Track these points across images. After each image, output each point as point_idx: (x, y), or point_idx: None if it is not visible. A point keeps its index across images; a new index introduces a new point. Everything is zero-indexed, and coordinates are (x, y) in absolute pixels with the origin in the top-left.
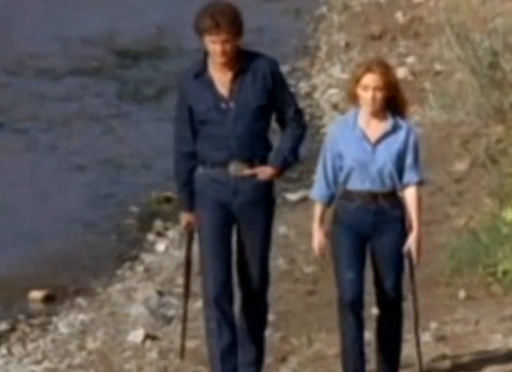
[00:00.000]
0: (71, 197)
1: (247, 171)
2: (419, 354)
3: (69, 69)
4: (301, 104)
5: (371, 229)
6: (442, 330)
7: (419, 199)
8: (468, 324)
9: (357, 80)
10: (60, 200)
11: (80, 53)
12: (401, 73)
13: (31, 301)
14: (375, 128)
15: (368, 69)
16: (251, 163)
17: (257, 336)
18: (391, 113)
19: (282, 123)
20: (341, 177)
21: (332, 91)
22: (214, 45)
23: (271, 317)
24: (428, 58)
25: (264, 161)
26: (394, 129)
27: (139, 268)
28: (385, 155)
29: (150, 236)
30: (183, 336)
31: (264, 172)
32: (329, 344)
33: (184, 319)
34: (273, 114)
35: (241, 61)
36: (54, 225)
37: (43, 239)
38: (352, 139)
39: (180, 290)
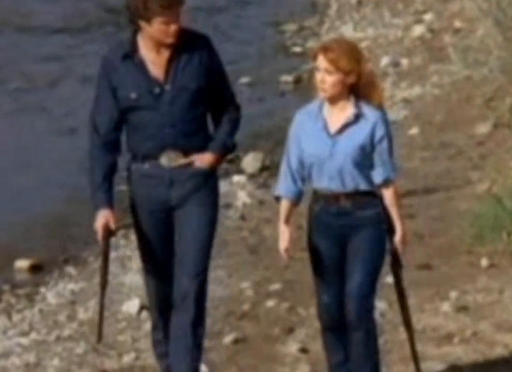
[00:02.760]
0: (60, 161)
1: (182, 160)
2: (415, 359)
3: (58, 27)
4: (310, 65)
5: (340, 233)
6: (463, 300)
7: (397, 196)
8: (491, 293)
9: (313, 60)
10: (49, 164)
11: (71, 11)
12: (418, 30)
13: (16, 271)
14: (337, 118)
15: (322, 48)
16: (187, 152)
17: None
18: (356, 100)
19: (217, 107)
20: (305, 173)
21: None
22: (167, 26)
23: (277, 286)
24: (447, 15)
25: (203, 151)
26: (357, 119)
27: (134, 236)
28: (345, 150)
29: None
30: (101, 322)
31: (202, 159)
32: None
33: (101, 307)
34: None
35: (178, 40)
36: (42, 190)
37: (30, 205)
38: (313, 130)
39: None
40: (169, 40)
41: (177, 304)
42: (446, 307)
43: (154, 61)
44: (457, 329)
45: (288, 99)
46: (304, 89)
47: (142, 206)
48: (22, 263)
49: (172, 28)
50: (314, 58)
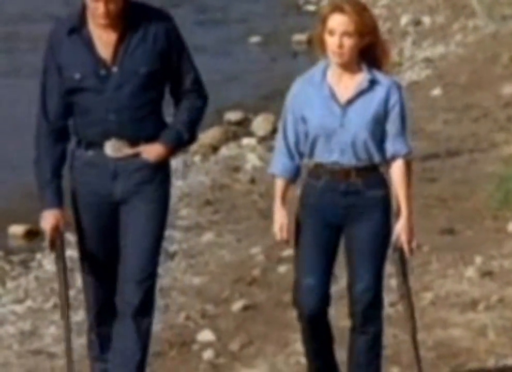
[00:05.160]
0: None
1: (127, 151)
2: (417, 359)
3: None
4: None
5: (343, 214)
6: (489, 265)
7: (408, 175)
8: None
9: (323, 21)
10: None
11: None
12: None
13: (11, 237)
14: (347, 85)
15: (336, 8)
16: (134, 142)
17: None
18: (367, 66)
19: (177, 94)
20: (306, 147)
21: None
22: (96, 3)
23: (289, 251)
24: None
25: (152, 142)
26: (372, 86)
27: None
28: (358, 120)
29: None
30: (69, 356)
31: (150, 151)
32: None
33: (68, 336)
34: (167, 84)
35: (130, 16)
36: None
37: (25, 169)
38: (318, 99)
39: (184, 223)
40: (101, 21)
41: (119, 313)
42: (470, 272)
43: (101, 39)
44: (482, 296)
45: (301, 60)
46: None
47: (83, 196)
48: (17, 229)
49: (100, 8)
50: (324, 20)
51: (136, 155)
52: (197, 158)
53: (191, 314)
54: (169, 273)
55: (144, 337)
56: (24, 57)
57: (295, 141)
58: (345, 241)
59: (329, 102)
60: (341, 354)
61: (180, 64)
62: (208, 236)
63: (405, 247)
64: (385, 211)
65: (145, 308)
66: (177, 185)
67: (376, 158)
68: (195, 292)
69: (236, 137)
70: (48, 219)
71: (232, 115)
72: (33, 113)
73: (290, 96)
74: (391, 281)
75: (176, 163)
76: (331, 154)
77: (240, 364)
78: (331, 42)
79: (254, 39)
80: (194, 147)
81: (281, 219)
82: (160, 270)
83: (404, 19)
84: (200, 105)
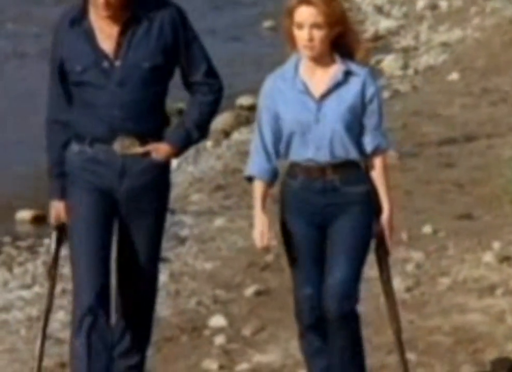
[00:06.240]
0: None
1: (138, 149)
2: (403, 361)
3: None
4: None
5: (324, 213)
6: (507, 250)
7: (387, 170)
8: None
9: (289, 14)
10: None
11: None
12: None
13: (18, 223)
14: (321, 78)
15: (302, 2)
16: (143, 139)
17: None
18: (341, 57)
19: (189, 87)
20: (282, 146)
21: None
22: None
23: None
24: None
25: (159, 137)
26: (347, 78)
27: None
28: (334, 114)
29: None
30: (40, 355)
31: (158, 151)
32: (373, 264)
33: (43, 337)
34: (181, 78)
35: (133, 7)
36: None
37: (32, 153)
38: (292, 94)
39: (195, 208)
40: (102, 12)
41: (123, 314)
42: (488, 257)
43: (104, 31)
44: (501, 281)
45: None
46: None
47: (83, 190)
48: (24, 214)
49: None
50: (291, 13)
51: (145, 154)
52: (209, 143)
53: (203, 300)
54: (181, 258)
55: (144, 342)
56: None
57: (273, 140)
58: (327, 239)
59: (303, 97)
60: None
61: (189, 56)
62: (219, 221)
63: (387, 243)
64: (366, 207)
65: (148, 313)
66: (189, 171)
67: (353, 153)
68: (207, 277)
69: (248, 121)
70: (52, 211)
71: (244, 100)
72: (44, 95)
73: (263, 94)
74: (407, 266)
75: None
76: (306, 151)
77: (252, 350)
78: (300, 35)
79: (266, 24)
80: None
81: (260, 226)
82: (171, 255)
83: (421, 3)
84: (212, 99)
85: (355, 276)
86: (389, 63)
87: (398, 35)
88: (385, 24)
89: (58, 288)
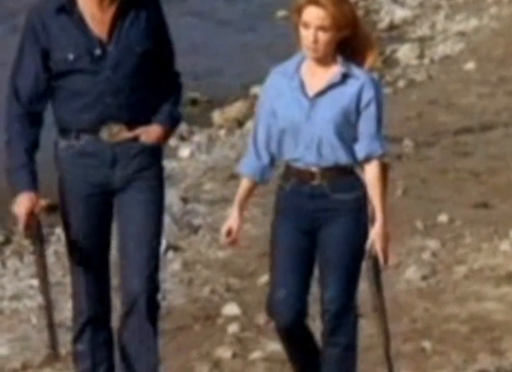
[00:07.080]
0: None
1: (126, 134)
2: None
3: None
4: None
5: (312, 219)
6: None
7: (383, 178)
8: None
9: (297, 12)
10: None
11: None
12: None
13: None
14: (319, 78)
15: (310, 1)
16: (131, 125)
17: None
18: (344, 59)
19: (162, 74)
20: (273, 143)
21: None
22: None
23: None
24: None
25: (147, 125)
26: (344, 80)
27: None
28: (326, 114)
29: (172, 141)
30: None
31: (149, 133)
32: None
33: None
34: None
35: None
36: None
37: (43, 143)
38: (288, 90)
39: (208, 197)
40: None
41: (127, 307)
42: (505, 246)
43: (95, 17)
44: None
45: None
46: None
47: (75, 190)
48: None
49: None
50: (299, 11)
51: (134, 139)
52: (222, 132)
53: (216, 288)
54: (194, 247)
55: (152, 331)
56: None
57: (265, 138)
58: (318, 247)
59: (298, 94)
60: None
61: (165, 44)
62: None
63: (380, 255)
64: (357, 215)
65: (154, 303)
66: (202, 160)
67: (343, 159)
68: (220, 266)
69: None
70: (24, 203)
71: (258, 90)
72: None
73: (263, 89)
74: (423, 254)
75: (200, 137)
76: (296, 149)
77: (265, 338)
78: (306, 35)
79: (281, 13)
80: (219, 121)
81: (230, 222)
82: (184, 244)
83: None
84: (181, 84)
85: (350, 291)
86: (405, 52)
87: (413, 25)
88: (400, 14)
89: (69, 277)
